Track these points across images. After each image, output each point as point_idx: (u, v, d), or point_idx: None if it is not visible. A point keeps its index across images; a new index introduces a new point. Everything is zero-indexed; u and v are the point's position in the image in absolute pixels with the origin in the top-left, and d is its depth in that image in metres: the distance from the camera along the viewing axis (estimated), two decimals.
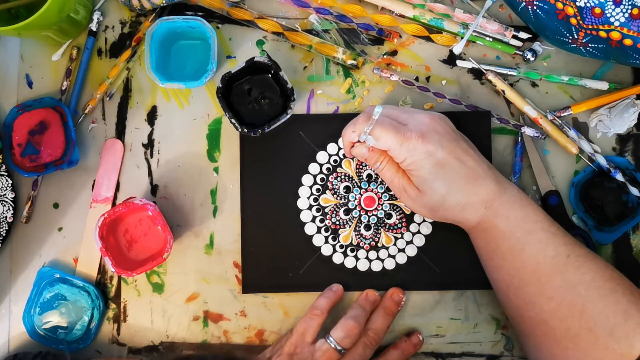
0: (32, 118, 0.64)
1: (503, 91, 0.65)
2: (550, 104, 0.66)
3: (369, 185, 0.65)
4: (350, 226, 0.65)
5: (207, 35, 0.63)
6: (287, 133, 0.65)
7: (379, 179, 0.65)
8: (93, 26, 0.66)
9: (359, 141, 0.59)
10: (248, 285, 0.65)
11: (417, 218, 0.65)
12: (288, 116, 0.62)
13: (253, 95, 0.64)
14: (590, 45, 0.57)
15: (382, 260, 0.65)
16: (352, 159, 0.65)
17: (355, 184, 0.65)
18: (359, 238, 0.65)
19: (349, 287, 0.65)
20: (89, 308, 0.64)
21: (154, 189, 0.66)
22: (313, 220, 0.65)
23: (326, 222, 0.65)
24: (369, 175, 0.65)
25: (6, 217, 0.64)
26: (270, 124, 0.61)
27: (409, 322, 0.65)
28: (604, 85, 0.65)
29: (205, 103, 0.66)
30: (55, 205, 0.66)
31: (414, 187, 0.58)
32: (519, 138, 0.65)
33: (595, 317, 0.53)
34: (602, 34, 0.55)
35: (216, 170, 0.66)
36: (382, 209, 0.65)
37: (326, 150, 0.65)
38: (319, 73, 0.67)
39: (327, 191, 0.65)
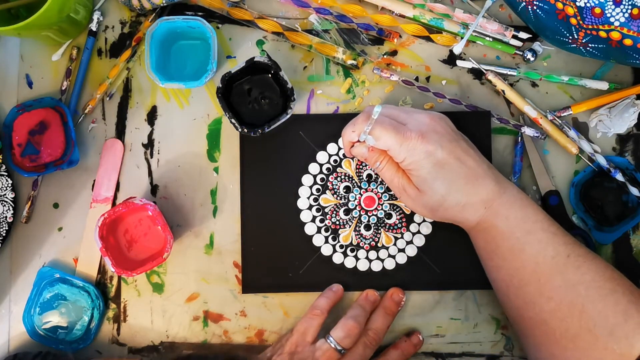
0: (32, 118, 0.64)
1: (503, 91, 0.65)
2: (550, 104, 0.66)
3: (369, 185, 0.65)
4: (350, 226, 0.65)
5: (207, 35, 0.63)
6: (287, 133, 0.65)
7: (379, 179, 0.65)
8: (93, 26, 0.66)
9: (358, 141, 0.59)
10: (248, 285, 0.65)
11: (417, 218, 0.65)
12: (288, 116, 0.62)
13: (253, 95, 0.64)
14: (590, 45, 0.57)
15: (382, 260, 0.65)
16: (352, 158, 0.65)
17: (355, 184, 0.65)
18: (359, 238, 0.65)
19: (349, 287, 0.65)
20: (89, 308, 0.64)
21: (154, 189, 0.66)
22: (313, 220, 0.65)
23: (326, 222, 0.65)
24: (369, 175, 0.65)
25: (6, 217, 0.64)
26: (270, 124, 0.61)
27: (409, 322, 0.65)
28: (604, 85, 0.65)
29: (205, 103, 0.66)
30: (55, 205, 0.66)
31: (414, 187, 0.58)
32: (519, 138, 0.65)
33: (595, 317, 0.53)
34: (602, 34, 0.55)
35: (216, 170, 0.66)
36: (382, 209, 0.65)
37: (326, 150, 0.65)
38: (319, 73, 0.67)
39: (327, 191, 0.65)
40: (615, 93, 0.64)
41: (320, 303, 0.62)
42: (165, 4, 0.65)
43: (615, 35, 0.54)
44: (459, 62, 0.66)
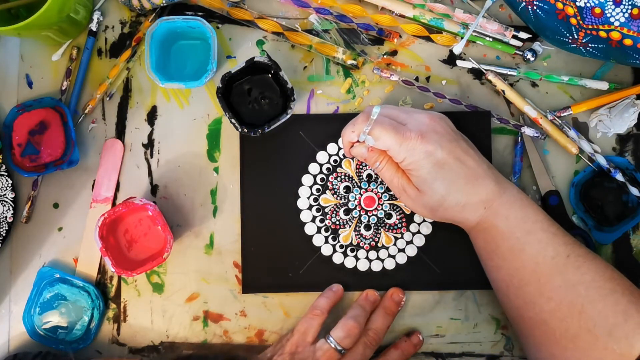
0: (32, 118, 0.64)
1: (503, 91, 0.65)
2: (550, 104, 0.66)
3: (369, 185, 0.65)
4: (350, 226, 0.65)
5: (207, 35, 0.63)
6: (287, 133, 0.65)
7: (379, 179, 0.65)
8: (93, 26, 0.66)
9: (358, 141, 0.59)
10: (248, 285, 0.65)
11: (417, 218, 0.65)
12: (288, 116, 0.62)
13: (253, 95, 0.64)
14: (590, 45, 0.57)
15: (382, 260, 0.65)
16: (352, 159, 0.65)
17: (355, 184, 0.65)
18: (359, 238, 0.65)
19: (349, 287, 0.65)
20: (89, 308, 0.64)
21: (154, 189, 0.66)
22: (313, 220, 0.65)
23: (326, 222, 0.65)
24: (369, 175, 0.65)
25: (6, 217, 0.64)
26: (270, 124, 0.61)
27: (409, 322, 0.65)
28: (604, 85, 0.65)
29: (205, 103, 0.66)
30: (55, 205, 0.66)
31: (414, 187, 0.58)
32: (519, 138, 0.65)
33: (595, 317, 0.53)
34: (602, 34, 0.55)
35: (216, 170, 0.66)
36: (382, 209, 0.65)
37: (326, 150, 0.65)
38: (319, 73, 0.67)
39: (327, 191, 0.65)
40: (615, 93, 0.64)
41: (320, 303, 0.62)
42: (165, 4, 0.65)
43: (615, 35, 0.54)
44: (459, 62, 0.66)
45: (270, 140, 0.65)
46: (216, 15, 0.67)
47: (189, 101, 0.66)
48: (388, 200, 0.65)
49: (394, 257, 0.65)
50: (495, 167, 0.60)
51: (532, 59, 0.66)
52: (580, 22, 0.55)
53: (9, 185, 0.64)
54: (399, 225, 0.65)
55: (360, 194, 0.65)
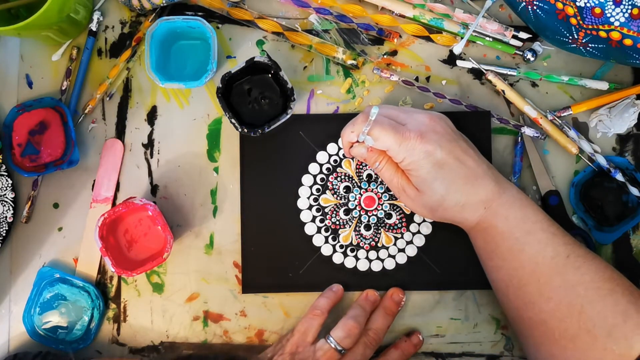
0: (32, 118, 0.64)
1: (503, 91, 0.65)
2: (550, 104, 0.66)
3: (369, 185, 0.65)
4: (350, 226, 0.65)
5: (207, 35, 0.63)
6: (287, 133, 0.65)
7: (379, 179, 0.65)
8: (93, 26, 0.66)
9: (358, 141, 0.59)
10: (248, 285, 0.65)
11: (417, 218, 0.65)
12: (288, 116, 0.62)
13: (253, 95, 0.64)
14: (590, 45, 0.57)
15: (382, 260, 0.65)
16: (352, 159, 0.65)
17: (355, 184, 0.65)
18: (359, 238, 0.65)
19: (349, 287, 0.65)
20: (89, 308, 0.64)
21: (154, 189, 0.66)
22: (313, 220, 0.65)
23: (326, 222, 0.65)
24: (369, 175, 0.65)
25: (6, 217, 0.64)
26: (270, 124, 0.61)
27: (409, 322, 0.65)
28: (604, 85, 0.65)
29: (205, 103, 0.66)
30: (55, 205, 0.66)
31: (413, 187, 0.58)
32: (519, 138, 0.65)
33: (594, 317, 0.53)
34: (602, 34, 0.55)
35: (216, 170, 0.66)
36: (382, 209, 0.65)
37: (326, 150, 0.65)
38: (319, 73, 0.67)
39: (327, 191, 0.65)
40: (615, 93, 0.64)
41: (320, 303, 0.62)
42: (165, 4, 0.65)
43: (615, 35, 0.54)
44: (459, 62, 0.66)
45: (270, 140, 0.65)
46: (216, 15, 0.67)
47: (189, 101, 0.66)
48: (388, 200, 0.65)
49: (394, 257, 0.65)
50: (495, 167, 0.60)
51: (532, 59, 0.66)
52: (580, 22, 0.55)
53: (9, 185, 0.64)
54: (399, 225, 0.65)
55: (360, 194, 0.65)
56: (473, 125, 0.64)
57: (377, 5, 0.66)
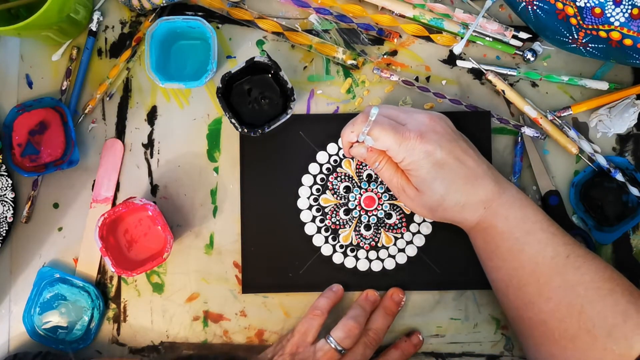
0: (32, 118, 0.64)
1: (503, 91, 0.65)
2: (550, 104, 0.66)
3: (369, 185, 0.65)
4: (350, 226, 0.65)
5: (207, 35, 0.63)
6: (287, 133, 0.65)
7: (379, 179, 0.65)
8: (93, 26, 0.66)
9: (357, 141, 0.59)
10: (248, 285, 0.65)
11: (417, 218, 0.65)
12: (288, 116, 0.62)
13: (253, 95, 0.64)
14: (590, 45, 0.57)
15: (382, 260, 0.65)
16: (352, 159, 0.65)
17: (355, 184, 0.65)
18: (359, 238, 0.65)
19: (349, 287, 0.65)
20: (89, 308, 0.64)
21: (154, 189, 0.66)
22: (313, 220, 0.65)
23: (326, 222, 0.65)
24: (369, 175, 0.65)
25: (6, 217, 0.64)
26: (270, 124, 0.61)
27: (409, 322, 0.65)
28: (604, 85, 0.65)
29: (205, 103, 0.66)
30: (55, 205, 0.66)
31: (413, 187, 0.58)
32: (519, 138, 0.65)
33: (594, 317, 0.53)
34: (602, 34, 0.55)
35: (216, 170, 0.66)
36: (382, 209, 0.65)
37: (326, 150, 0.65)
38: (319, 73, 0.67)
39: (327, 191, 0.65)
40: (615, 93, 0.64)
41: (320, 303, 0.62)
42: (165, 4, 0.65)
43: (615, 35, 0.54)
44: (459, 62, 0.66)
45: (270, 140, 0.65)
46: (216, 15, 0.67)
47: (189, 101, 0.66)
48: (388, 200, 0.65)
49: (394, 257, 0.65)
50: (495, 167, 0.60)
51: (532, 59, 0.66)
52: (580, 22, 0.55)
53: (9, 185, 0.64)
54: (399, 225, 0.65)
55: (360, 194, 0.65)
56: (473, 125, 0.64)
57: (377, 5, 0.66)
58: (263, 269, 0.65)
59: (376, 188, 0.65)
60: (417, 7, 0.65)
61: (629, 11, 0.52)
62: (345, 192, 0.65)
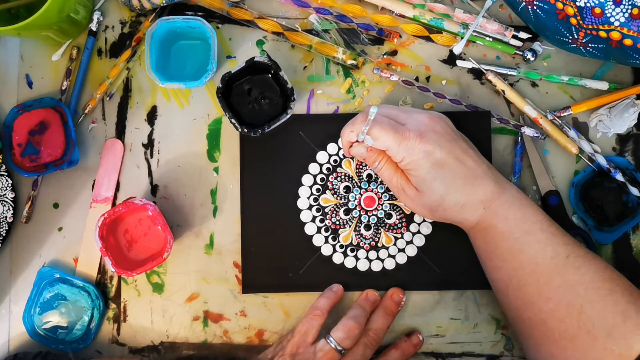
0: (32, 118, 0.64)
1: (503, 91, 0.65)
2: (550, 104, 0.66)
3: (369, 185, 0.65)
4: (350, 226, 0.65)
5: (207, 35, 0.63)
6: (287, 133, 0.65)
7: (379, 179, 0.65)
8: (93, 26, 0.66)
9: (357, 141, 0.59)
10: (248, 285, 0.65)
11: (417, 218, 0.65)
12: (288, 116, 0.62)
13: (253, 95, 0.64)
14: (590, 45, 0.57)
15: (382, 260, 0.65)
16: (352, 158, 0.65)
17: (355, 184, 0.65)
18: (359, 238, 0.65)
19: (349, 287, 0.65)
20: (89, 308, 0.64)
21: (154, 189, 0.66)
22: (313, 220, 0.65)
23: (326, 222, 0.65)
24: (369, 175, 0.65)
25: (6, 217, 0.64)
26: (270, 124, 0.61)
27: (409, 322, 0.65)
28: (604, 85, 0.65)
29: (205, 103, 0.66)
30: (55, 205, 0.66)
31: (413, 187, 0.58)
32: (519, 138, 0.65)
33: (594, 317, 0.53)
34: (602, 34, 0.55)
35: (216, 170, 0.66)
36: (382, 209, 0.65)
37: (326, 150, 0.65)
38: (319, 73, 0.67)
39: (327, 191, 0.65)
40: (615, 93, 0.64)
41: (320, 303, 0.62)
42: (165, 4, 0.65)
43: (615, 35, 0.54)
44: (459, 62, 0.66)
45: (270, 140, 0.65)
46: (216, 15, 0.67)
47: (189, 101, 0.66)
48: (388, 200, 0.65)
49: (394, 257, 0.65)
50: (495, 167, 0.60)
51: (532, 59, 0.66)
52: (580, 22, 0.55)
53: (9, 185, 0.64)
54: (399, 225, 0.65)
55: (360, 194, 0.65)
56: (473, 125, 0.64)
57: (377, 5, 0.66)
58: (263, 269, 0.65)
59: (376, 188, 0.65)
60: (417, 7, 0.65)
61: (629, 11, 0.52)
62: (345, 192, 0.65)
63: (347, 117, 0.61)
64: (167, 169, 0.66)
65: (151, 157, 0.66)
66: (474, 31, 0.65)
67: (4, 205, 0.64)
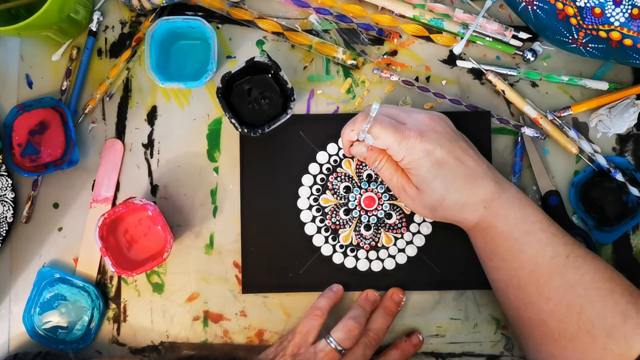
0: (32, 118, 0.64)
1: (503, 91, 0.65)
2: (550, 104, 0.66)
3: (369, 185, 0.65)
4: (350, 226, 0.65)
5: (207, 35, 0.63)
6: (287, 133, 0.65)
7: (379, 179, 0.65)
8: (93, 26, 0.66)
9: (358, 140, 0.59)
10: (248, 285, 0.65)
11: (417, 218, 0.65)
12: (288, 116, 0.62)
13: (253, 95, 0.64)
14: (590, 45, 0.57)
15: (382, 260, 0.65)
16: (352, 158, 0.65)
17: (355, 184, 0.65)
18: (359, 238, 0.65)
19: (349, 287, 0.65)
20: (89, 308, 0.64)
21: (154, 189, 0.66)
22: (313, 220, 0.65)
23: (326, 222, 0.65)
24: (369, 175, 0.65)
25: (6, 217, 0.64)
26: (270, 124, 0.61)
27: (409, 322, 0.65)
28: (604, 85, 0.65)
29: (205, 103, 0.66)
30: (55, 205, 0.66)
31: (413, 186, 0.58)
32: (519, 138, 0.65)
33: (594, 317, 0.53)
34: (602, 34, 0.55)
35: (216, 170, 0.66)
36: (382, 209, 0.65)
37: (326, 150, 0.65)
38: (319, 73, 0.67)
39: (327, 191, 0.65)
40: (615, 93, 0.64)
41: (320, 303, 0.62)
42: (165, 4, 0.65)
43: (615, 35, 0.54)
44: (459, 62, 0.66)
45: (270, 140, 0.65)
46: (216, 15, 0.67)
47: (189, 101, 0.66)
48: (388, 200, 0.65)
49: (394, 257, 0.65)
50: (495, 167, 0.60)
51: (532, 59, 0.66)
52: (580, 22, 0.55)
53: (9, 185, 0.64)
54: (399, 225, 0.65)
55: (360, 194, 0.65)
56: (473, 125, 0.64)
57: (377, 5, 0.66)
58: (263, 269, 0.65)
59: (376, 188, 0.65)
60: (417, 7, 0.65)
61: (629, 11, 0.52)
62: (345, 192, 0.65)
63: (347, 117, 0.61)
64: (167, 169, 0.66)
65: (151, 157, 0.66)
66: (474, 31, 0.65)
67: (4, 205, 0.64)
